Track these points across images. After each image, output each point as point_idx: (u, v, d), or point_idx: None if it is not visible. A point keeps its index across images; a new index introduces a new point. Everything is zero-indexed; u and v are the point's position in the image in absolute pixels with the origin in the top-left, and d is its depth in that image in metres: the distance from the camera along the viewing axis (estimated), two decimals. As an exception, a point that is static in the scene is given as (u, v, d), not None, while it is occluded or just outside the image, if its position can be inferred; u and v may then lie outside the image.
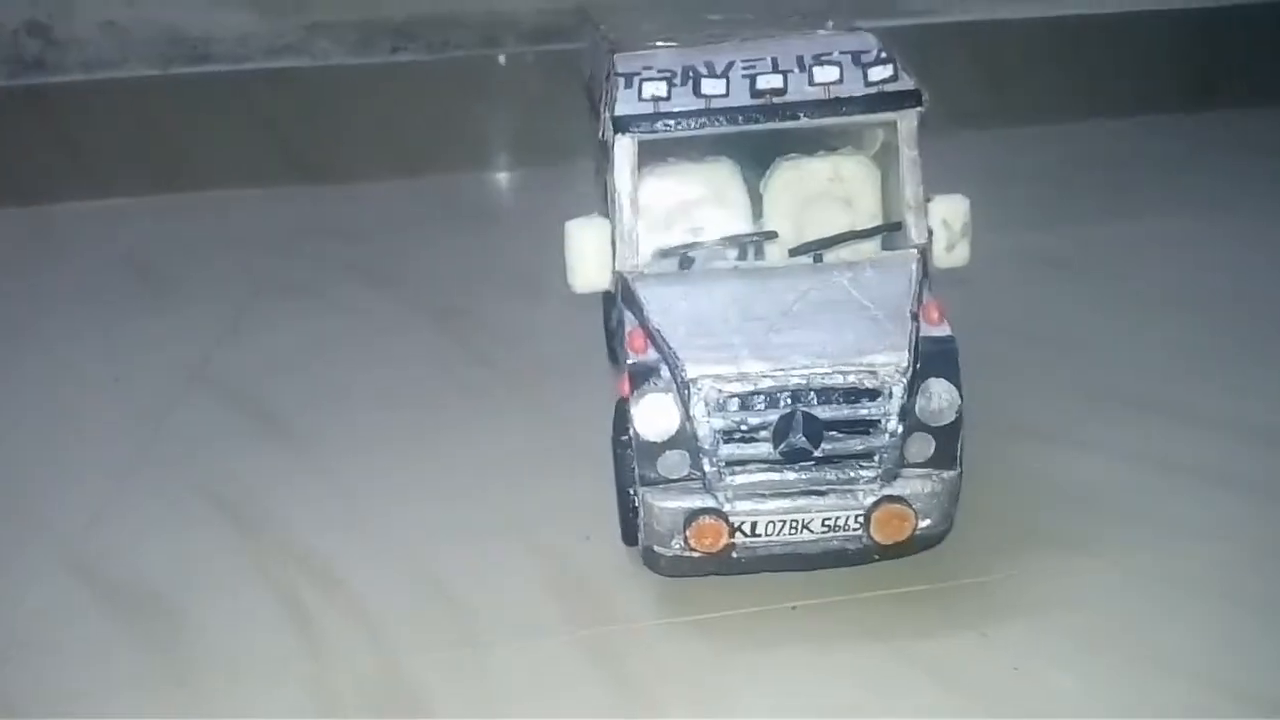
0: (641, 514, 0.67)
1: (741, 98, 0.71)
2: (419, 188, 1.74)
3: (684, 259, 0.72)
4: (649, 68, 0.73)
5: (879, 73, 0.71)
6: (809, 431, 0.65)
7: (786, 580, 0.70)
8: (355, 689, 0.65)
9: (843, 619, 0.68)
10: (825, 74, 0.70)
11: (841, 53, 0.73)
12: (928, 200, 0.73)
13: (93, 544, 0.81)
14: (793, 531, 0.67)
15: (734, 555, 0.67)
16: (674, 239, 0.73)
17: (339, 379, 1.06)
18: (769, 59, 0.73)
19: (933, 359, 0.66)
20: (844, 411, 0.65)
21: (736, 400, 0.65)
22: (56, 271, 1.47)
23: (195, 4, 1.89)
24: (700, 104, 0.70)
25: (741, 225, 0.76)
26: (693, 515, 0.66)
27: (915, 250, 0.72)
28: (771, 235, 0.73)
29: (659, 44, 0.76)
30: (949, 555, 0.72)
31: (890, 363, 0.66)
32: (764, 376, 0.65)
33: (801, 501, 0.66)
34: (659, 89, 0.70)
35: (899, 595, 0.70)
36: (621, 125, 0.70)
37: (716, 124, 0.71)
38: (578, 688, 0.64)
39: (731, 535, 0.66)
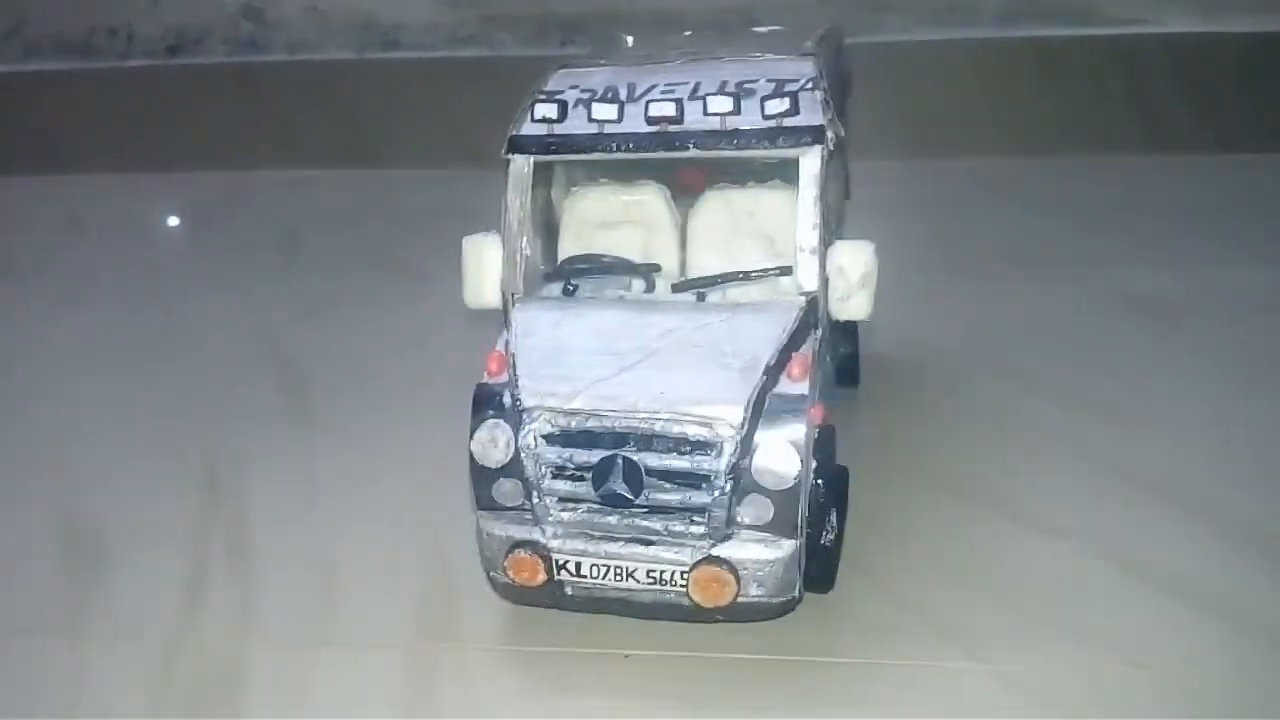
0: (476, 537, 0.67)
1: (637, 124, 0.68)
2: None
3: (566, 285, 0.71)
4: (574, 87, 0.72)
5: (775, 106, 0.66)
6: (629, 478, 0.62)
7: (643, 625, 0.68)
8: (187, 668, 0.69)
9: (671, 677, 0.65)
10: (719, 104, 0.66)
11: (767, 80, 0.69)
12: (828, 245, 0.67)
13: (80, 486, 0.91)
14: (618, 578, 0.64)
15: (567, 591, 0.66)
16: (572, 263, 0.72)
17: (384, 362, 1.11)
18: (691, 84, 0.70)
19: (775, 417, 0.62)
20: (670, 461, 0.62)
21: (561, 437, 0.63)
22: (227, 232, 1.64)
23: (389, -7, 2.02)
24: (592, 129, 0.69)
25: (659, 254, 0.73)
26: (512, 546, 0.65)
27: (801, 298, 0.66)
28: (654, 268, 0.70)
29: (601, 62, 0.75)
30: (811, 627, 0.67)
31: (723, 416, 0.61)
32: (591, 415, 0.63)
33: (627, 549, 0.64)
34: (551, 111, 0.69)
35: (739, 661, 0.66)
36: (513, 145, 0.70)
37: (607, 150, 0.69)
38: (379, 703, 0.65)
39: (553, 572, 0.65)
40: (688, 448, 0.62)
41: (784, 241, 0.70)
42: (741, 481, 0.61)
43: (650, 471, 0.62)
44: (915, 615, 0.69)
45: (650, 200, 0.73)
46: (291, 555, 0.80)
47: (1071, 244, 1.31)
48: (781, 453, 0.61)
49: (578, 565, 0.64)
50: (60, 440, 1.00)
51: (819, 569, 0.68)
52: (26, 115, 2.22)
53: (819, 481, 0.66)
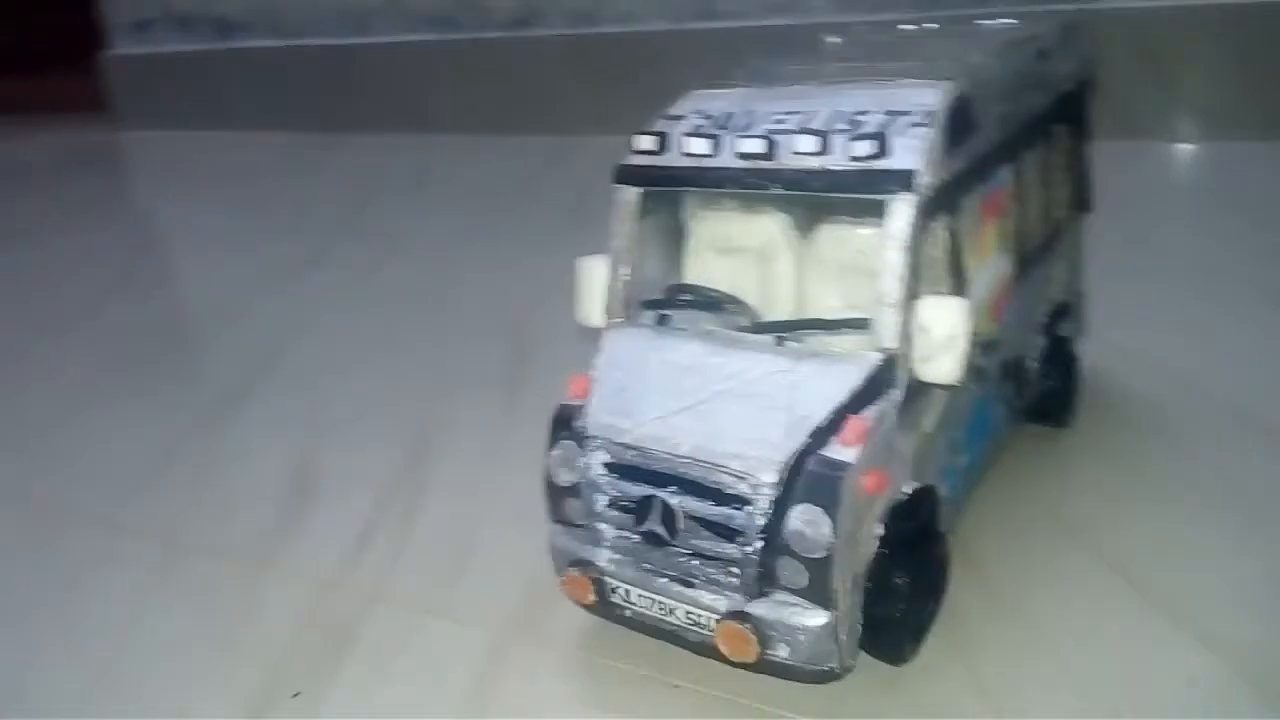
0: (549, 546, 0.71)
1: (730, 159, 0.67)
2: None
3: (661, 315, 0.71)
4: (695, 112, 0.72)
5: (862, 148, 0.62)
6: (666, 519, 0.63)
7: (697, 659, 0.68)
8: (318, 613, 0.79)
9: (709, 714, 0.66)
10: (805, 144, 0.63)
11: (884, 113, 0.65)
12: (914, 299, 0.62)
13: (328, 430, 1.06)
14: (662, 612, 0.65)
15: (625, 613, 0.68)
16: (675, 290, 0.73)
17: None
18: (802, 114, 0.67)
19: (813, 482, 0.59)
20: (705, 509, 0.62)
21: (616, 468, 0.65)
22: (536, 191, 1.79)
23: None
24: (689, 162, 0.68)
25: (774, 285, 0.72)
26: (570, 563, 0.68)
27: (878, 354, 0.62)
28: (737, 303, 0.69)
29: (732, 84, 0.74)
30: (868, 694, 0.64)
31: (756, 473, 0.60)
32: (640, 451, 0.64)
33: (670, 586, 0.65)
34: (651, 144, 0.69)
35: (777, 716, 0.65)
36: (619, 175, 0.71)
37: (700, 184, 0.68)
38: (449, 676, 0.71)
39: (604, 594, 0.67)
40: (722, 499, 0.61)
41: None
42: (775, 542, 0.60)
43: (688, 515, 0.62)
44: (988, 706, 0.64)
45: (767, 229, 0.71)
46: (448, 524, 0.88)
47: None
48: (812, 520, 0.59)
49: (627, 592, 0.66)
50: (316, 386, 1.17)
51: (887, 641, 0.65)
52: (399, 80, 2.51)
53: (884, 551, 0.62)
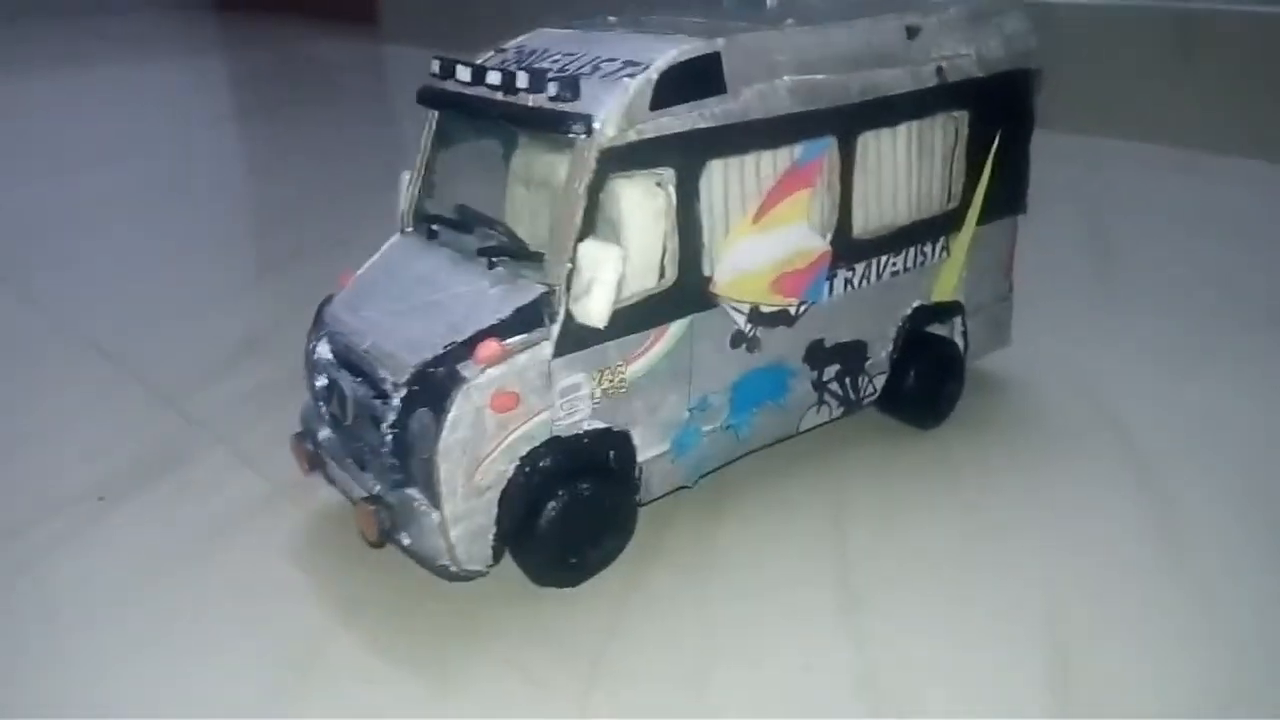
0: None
1: (483, 90, 0.71)
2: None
3: (431, 230, 0.76)
4: (520, 45, 0.78)
5: (553, 89, 0.65)
6: (341, 403, 0.70)
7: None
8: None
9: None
10: (493, 78, 0.68)
11: (624, 62, 0.68)
12: (581, 240, 0.65)
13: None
14: (346, 487, 0.72)
15: (334, 484, 0.74)
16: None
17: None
18: (578, 57, 0.71)
19: (432, 389, 0.64)
20: (366, 400, 0.68)
21: (329, 355, 0.73)
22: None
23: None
24: (456, 88, 0.73)
25: (540, 218, 0.76)
26: (294, 432, 0.76)
27: (541, 288, 0.65)
28: (493, 225, 0.72)
29: (575, 25, 0.79)
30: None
31: (394, 374, 0.65)
32: (340, 343, 0.71)
33: (350, 465, 0.72)
34: (437, 68, 0.74)
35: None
36: (418, 95, 0.77)
37: (460, 109, 0.73)
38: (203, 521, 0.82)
39: (316, 463, 0.75)
40: (377, 393, 0.67)
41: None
42: (402, 438, 0.65)
43: (356, 403, 0.69)
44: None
45: (551, 163, 0.74)
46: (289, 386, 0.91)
47: None
48: (425, 423, 0.64)
49: (330, 465, 0.74)
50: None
51: (527, 563, 0.70)
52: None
53: (538, 478, 0.66)
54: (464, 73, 0.71)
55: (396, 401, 0.65)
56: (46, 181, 1.86)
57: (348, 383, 0.70)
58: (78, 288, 1.32)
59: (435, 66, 0.74)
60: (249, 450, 0.90)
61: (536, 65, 0.71)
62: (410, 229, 0.78)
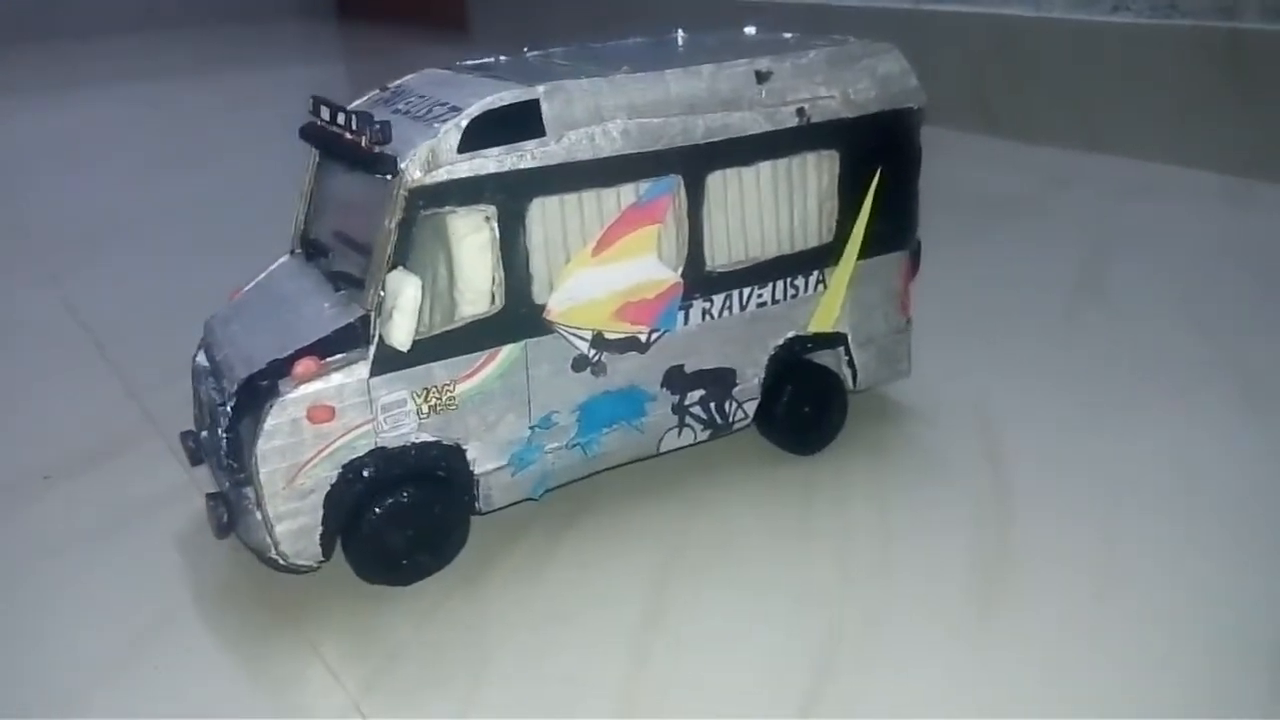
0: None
1: (335, 128, 0.78)
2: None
3: (308, 254, 0.84)
4: (398, 86, 0.85)
5: (370, 133, 0.71)
6: (210, 408, 0.78)
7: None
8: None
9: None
10: (352, 122, 0.74)
11: (450, 108, 0.74)
12: (391, 270, 0.71)
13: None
14: (215, 484, 0.80)
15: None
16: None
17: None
18: (428, 101, 0.77)
19: (251, 400, 0.71)
20: (213, 401, 0.76)
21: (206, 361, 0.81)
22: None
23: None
24: (321, 126, 0.80)
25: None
26: (181, 430, 0.85)
27: (361, 312, 0.72)
28: (360, 251, 0.78)
29: (458, 67, 0.86)
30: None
31: (231, 385, 0.73)
32: (209, 352, 0.79)
33: (214, 462, 0.79)
34: (310, 107, 0.82)
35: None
36: (300, 131, 0.84)
37: (318, 146, 0.81)
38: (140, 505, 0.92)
39: (197, 458, 0.83)
40: (223, 399, 0.75)
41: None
42: (233, 441, 0.73)
43: (214, 406, 0.77)
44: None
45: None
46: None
47: None
48: (247, 430, 0.71)
49: (206, 461, 0.82)
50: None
51: (358, 563, 0.76)
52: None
53: (362, 485, 0.73)
54: (324, 112, 0.78)
55: (229, 409, 0.73)
56: (136, 184, 2.03)
57: (207, 389, 0.78)
58: (108, 286, 1.45)
59: (310, 104, 0.82)
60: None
61: (398, 107, 0.78)
62: (298, 250, 0.86)
